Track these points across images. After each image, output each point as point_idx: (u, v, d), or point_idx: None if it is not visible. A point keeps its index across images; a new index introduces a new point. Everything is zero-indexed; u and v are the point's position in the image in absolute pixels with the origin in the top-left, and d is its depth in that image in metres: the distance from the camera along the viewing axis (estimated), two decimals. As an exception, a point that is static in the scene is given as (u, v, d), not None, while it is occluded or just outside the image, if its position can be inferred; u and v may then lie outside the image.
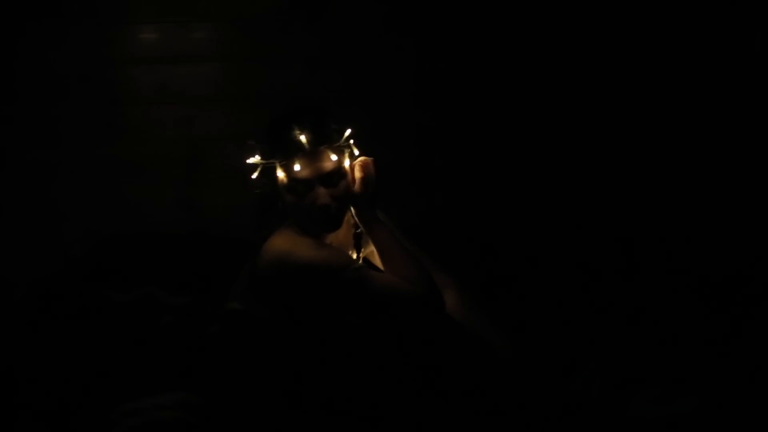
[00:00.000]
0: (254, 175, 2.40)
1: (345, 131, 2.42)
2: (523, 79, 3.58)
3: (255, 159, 2.39)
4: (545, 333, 2.89)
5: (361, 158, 2.47)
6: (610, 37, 3.53)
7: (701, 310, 2.90)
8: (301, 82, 3.55)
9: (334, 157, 2.38)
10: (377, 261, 2.57)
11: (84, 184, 3.56)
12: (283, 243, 2.37)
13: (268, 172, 2.39)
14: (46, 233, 3.53)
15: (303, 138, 2.34)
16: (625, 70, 3.55)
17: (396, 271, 2.39)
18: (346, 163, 2.43)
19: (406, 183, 3.58)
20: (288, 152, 2.35)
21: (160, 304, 3.06)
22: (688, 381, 2.46)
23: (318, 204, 2.37)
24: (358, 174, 2.45)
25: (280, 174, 2.37)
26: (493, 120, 3.60)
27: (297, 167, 2.33)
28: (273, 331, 2.39)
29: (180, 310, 3.04)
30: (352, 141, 2.45)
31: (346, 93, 3.52)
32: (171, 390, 2.60)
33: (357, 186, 2.44)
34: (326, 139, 2.37)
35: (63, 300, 3.07)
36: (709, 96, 3.51)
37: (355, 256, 2.57)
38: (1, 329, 3.10)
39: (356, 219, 2.48)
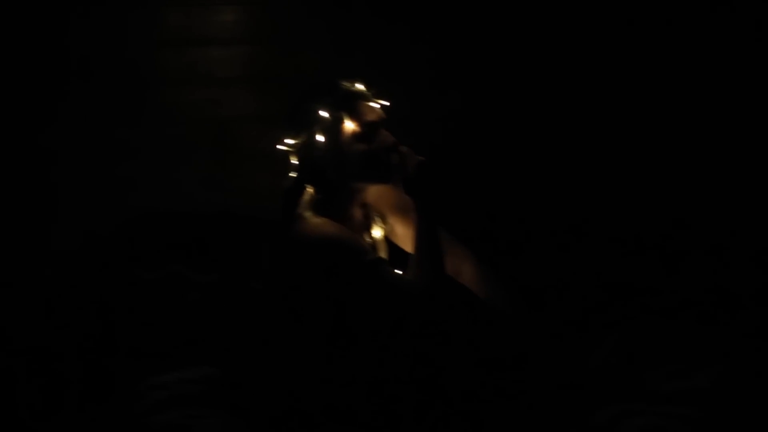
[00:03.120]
0: (319, 137, 2.44)
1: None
2: (536, 66, 3.59)
3: (324, 115, 2.44)
4: (566, 309, 2.92)
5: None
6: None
7: (717, 287, 2.92)
8: (326, 65, 3.57)
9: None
10: (383, 249, 2.66)
11: (113, 164, 3.61)
12: (309, 221, 2.43)
13: (332, 129, 2.45)
14: (74, 212, 3.59)
15: (361, 86, 2.49)
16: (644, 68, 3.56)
17: (414, 261, 2.44)
18: None
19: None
20: (355, 100, 2.47)
21: (187, 283, 3.12)
22: (705, 356, 2.48)
23: (387, 144, 2.47)
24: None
25: (349, 125, 2.44)
26: (509, 107, 3.61)
27: (372, 106, 2.48)
28: (289, 308, 2.42)
29: (206, 288, 3.10)
30: None
31: (370, 76, 3.53)
32: (196, 365, 2.67)
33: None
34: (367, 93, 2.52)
35: (92, 277, 3.13)
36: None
37: (368, 239, 2.63)
38: (30, 305, 3.16)
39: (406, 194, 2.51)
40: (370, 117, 2.46)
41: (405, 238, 2.70)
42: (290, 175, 2.51)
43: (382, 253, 2.64)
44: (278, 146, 2.51)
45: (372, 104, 2.50)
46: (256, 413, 2.43)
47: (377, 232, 2.66)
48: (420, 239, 2.44)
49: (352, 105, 2.46)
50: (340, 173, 2.47)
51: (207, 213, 3.52)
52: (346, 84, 2.50)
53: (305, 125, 2.47)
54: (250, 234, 3.37)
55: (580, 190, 3.57)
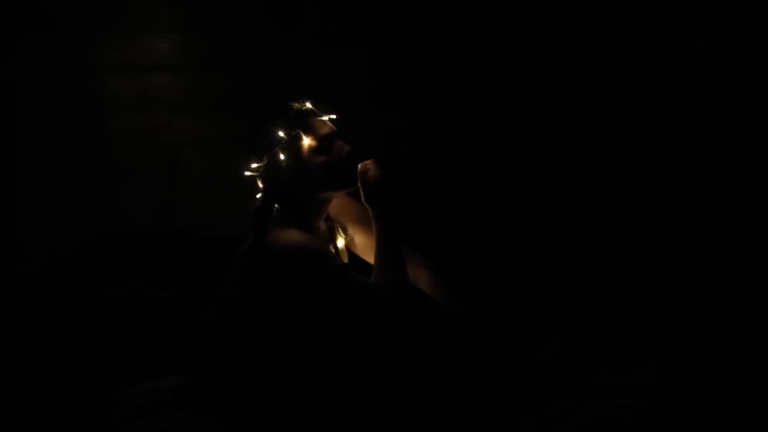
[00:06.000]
0: (281, 157, 2.60)
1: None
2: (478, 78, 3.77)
3: (282, 135, 2.59)
4: (517, 311, 3.12)
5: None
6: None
7: (658, 288, 3.13)
8: (272, 89, 3.69)
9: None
10: (345, 258, 2.83)
11: (67, 188, 3.72)
12: (278, 232, 2.56)
13: (291, 147, 2.60)
14: (34, 233, 3.69)
15: (309, 105, 2.66)
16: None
17: (378, 266, 2.62)
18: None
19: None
20: (307, 117, 2.63)
21: (150, 298, 3.22)
22: (645, 354, 2.67)
23: (345, 153, 2.65)
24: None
25: (306, 141, 2.60)
26: (454, 121, 3.80)
27: (323, 120, 2.65)
28: (261, 316, 2.55)
29: (169, 303, 3.21)
30: None
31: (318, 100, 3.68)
32: (168, 375, 2.79)
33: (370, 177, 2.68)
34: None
35: (58, 295, 3.22)
36: (648, 101, 3.69)
37: (332, 249, 2.79)
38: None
39: (366, 205, 2.69)
40: (324, 130, 2.64)
41: (364, 247, 2.89)
42: (258, 196, 2.67)
43: (346, 261, 2.81)
44: (245, 173, 2.67)
45: (323, 118, 2.67)
46: (229, 416, 2.55)
47: (340, 242, 2.84)
48: (382, 245, 2.63)
49: (305, 122, 2.63)
50: (306, 187, 2.63)
51: (162, 233, 3.65)
52: (296, 104, 2.67)
53: (266, 148, 2.63)
54: (204, 252, 3.50)
55: (525, 197, 3.75)
